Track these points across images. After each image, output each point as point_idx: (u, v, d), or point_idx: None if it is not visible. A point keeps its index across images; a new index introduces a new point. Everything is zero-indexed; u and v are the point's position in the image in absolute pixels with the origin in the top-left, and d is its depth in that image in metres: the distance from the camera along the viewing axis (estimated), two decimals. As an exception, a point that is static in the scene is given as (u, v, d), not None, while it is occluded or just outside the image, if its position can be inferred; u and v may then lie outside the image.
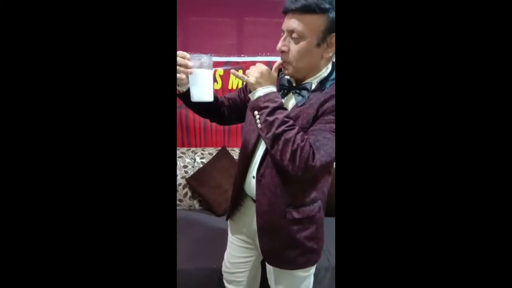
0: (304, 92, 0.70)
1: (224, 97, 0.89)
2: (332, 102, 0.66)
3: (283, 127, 0.63)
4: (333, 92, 0.67)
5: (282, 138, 0.63)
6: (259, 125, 0.67)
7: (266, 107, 0.65)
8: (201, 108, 0.79)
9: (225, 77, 1.62)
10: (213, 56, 1.66)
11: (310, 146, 0.62)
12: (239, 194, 0.84)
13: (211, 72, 0.70)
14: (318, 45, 0.64)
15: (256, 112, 0.67)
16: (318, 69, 0.70)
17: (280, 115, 0.64)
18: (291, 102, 0.73)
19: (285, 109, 0.68)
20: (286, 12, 0.65)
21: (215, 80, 1.62)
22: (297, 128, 0.65)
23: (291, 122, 0.65)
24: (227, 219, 0.92)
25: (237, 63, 1.60)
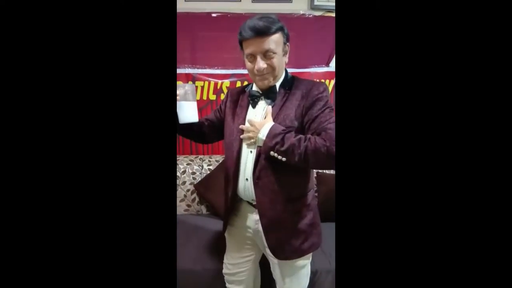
0: (272, 95, 0.81)
1: (204, 118, 0.98)
2: (307, 101, 0.76)
3: (302, 145, 0.70)
4: (297, 90, 0.79)
5: (310, 152, 0.69)
6: (283, 159, 0.73)
7: (276, 143, 0.72)
8: (186, 132, 0.91)
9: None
10: (220, 69, 1.76)
11: (330, 136, 0.69)
12: (234, 200, 0.90)
13: (194, 102, 0.84)
14: (283, 55, 0.81)
15: (272, 153, 0.74)
16: (281, 73, 0.82)
17: (291, 138, 0.71)
18: (261, 106, 0.83)
19: (290, 131, 0.74)
20: (249, 37, 0.74)
21: (222, 91, 1.70)
22: (309, 136, 0.72)
23: (300, 135, 0.72)
24: (224, 227, 0.97)
25: (243, 75, 1.69)
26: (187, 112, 0.82)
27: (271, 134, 0.73)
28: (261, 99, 0.84)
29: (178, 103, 0.81)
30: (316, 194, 1.46)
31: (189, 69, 1.67)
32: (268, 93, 0.82)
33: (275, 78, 0.81)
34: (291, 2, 1.65)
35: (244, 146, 0.83)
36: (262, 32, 0.73)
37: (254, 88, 0.86)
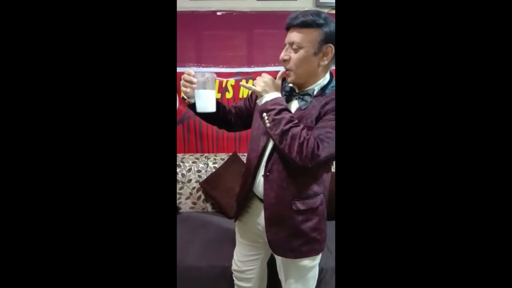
0: (307, 97, 0.79)
1: (232, 106, 0.98)
2: (332, 103, 0.75)
3: (290, 124, 0.72)
4: (333, 96, 0.76)
5: (290, 133, 0.71)
6: (268, 124, 0.75)
7: (274, 109, 0.74)
8: (209, 117, 0.89)
9: (236, 87, 1.70)
10: (225, 67, 1.76)
11: (315, 138, 0.71)
12: (247, 196, 0.91)
13: (213, 90, 0.80)
14: (315, 54, 0.75)
15: (264, 114, 0.75)
16: (318, 77, 0.79)
17: (286, 115, 0.73)
18: (293, 106, 0.82)
19: (290, 111, 0.76)
20: (288, 28, 0.77)
21: (226, 90, 1.71)
22: (302, 125, 0.73)
23: (296, 120, 0.74)
24: (235, 221, 0.99)
25: (248, 73, 1.69)
26: (206, 101, 0.79)
27: (275, 101, 0.75)
28: (295, 98, 0.82)
29: (196, 91, 0.78)
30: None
31: (194, 67, 1.67)
32: (304, 95, 0.80)
33: (298, 76, 0.78)
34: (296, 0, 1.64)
35: (271, 142, 0.82)
36: (294, 24, 0.74)
37: (291, 84, 0.84)
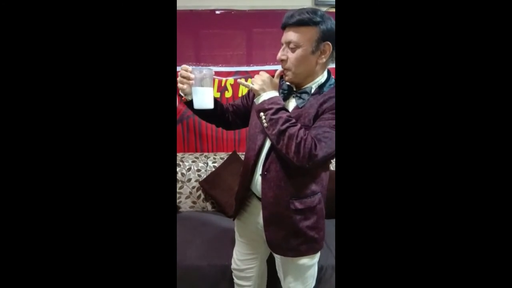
0: (305, 96, 0.78)
1: (229, 104, 0.97)
2: (330, 102, 0.74)
3: (287, 124, 0.71)
4: (332, 94, 0.76)
5: (287, 133, 0.71)
6: (265, 124, 0.75)
7: (271, 108, 0.74)
8: (206, 114, 0.88)
9: (235, 86, 1.70)
10: (224, 66, 1.76)
11: (312, 138, 0.70)
12: (245, 194, 0.91)
13: (211, 87, 0.79)
14: (313, 52, 0.74)
15: (261, 114, 0.75)
16: (316, 75, 0.78)
17: (283, 114, 0.73)
18: (291, 104, 0.82)
19: (287, 110, 0.76)
20: (284, 27, 0.76)
21: (226, 89, 1.71)
22: (299, 125, 0.73)
23: (293, 120, 0.73)
24: (234, 219, 0.99)
25: (247, 72, 1.69)
26: (204, 98, 0.77)
27: (272, 100, 0.74)
28: (293, 96, 0.81)
29: (193, 88, 0.77)
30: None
31: (193, 66, 1.67)
32: (301, 93, 0.79)
33: (296, 76, 0.77)
34: (295, -2, 1.64)
35: (268, 140, 0.81)
36: (290, 23, 0.73)
37: (288, 82, 0.82)
